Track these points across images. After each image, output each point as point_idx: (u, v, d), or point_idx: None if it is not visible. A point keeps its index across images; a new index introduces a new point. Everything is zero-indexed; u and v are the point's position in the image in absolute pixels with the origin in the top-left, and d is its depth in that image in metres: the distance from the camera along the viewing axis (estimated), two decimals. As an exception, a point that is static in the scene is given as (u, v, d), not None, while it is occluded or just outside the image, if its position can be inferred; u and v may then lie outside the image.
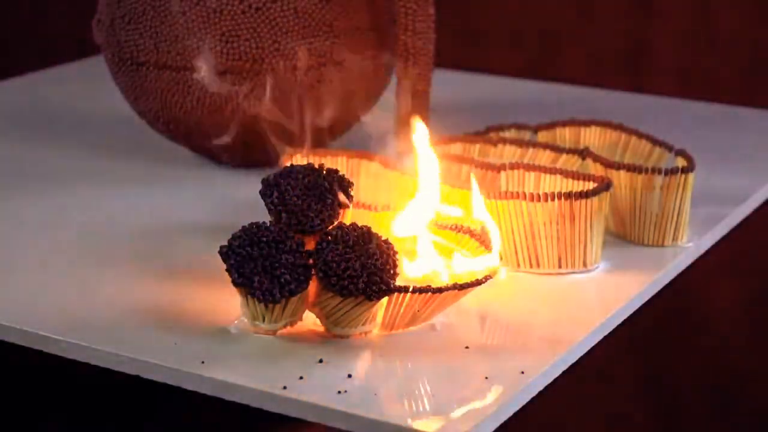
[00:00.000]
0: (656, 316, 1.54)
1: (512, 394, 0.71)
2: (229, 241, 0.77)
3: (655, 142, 0.98)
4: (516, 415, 0.72)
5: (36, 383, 1.17)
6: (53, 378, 1.16)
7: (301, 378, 0.72)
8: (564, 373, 0.76)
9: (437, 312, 0.79)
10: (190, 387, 0.74)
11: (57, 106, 1.30)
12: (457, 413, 0.69)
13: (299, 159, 0.93)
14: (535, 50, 1.61)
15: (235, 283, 0.76)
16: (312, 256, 0.77)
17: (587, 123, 1.01)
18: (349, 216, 0.82)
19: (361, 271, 0.75)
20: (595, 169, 0.93)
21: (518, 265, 0.88)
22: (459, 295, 0.77)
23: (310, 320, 0.79)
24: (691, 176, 0.90)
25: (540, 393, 0.74)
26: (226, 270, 0.76)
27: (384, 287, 0.75)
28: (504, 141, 0.99)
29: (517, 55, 1.61)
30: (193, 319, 0.80)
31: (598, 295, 0.85)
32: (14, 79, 1.40)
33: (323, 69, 1.02)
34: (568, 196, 0.85)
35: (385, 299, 0.76)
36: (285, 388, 0.71)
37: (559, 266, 0.87)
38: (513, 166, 0.92)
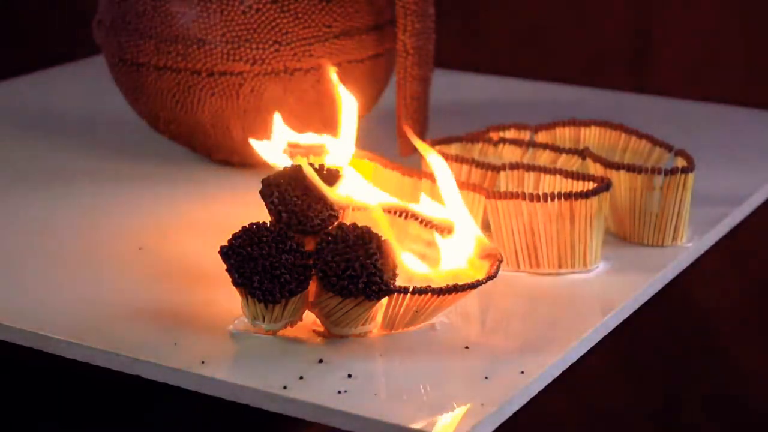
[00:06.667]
0: (656, 316, 1.54)
1: (512, 394, 0.71)
2: (229, 241, 0.77)
3: (655, 142, 0.98)
4: (516, 415, 0.72)
5: (36, 383, 1.17)
6: (53, 378, 1.16)
7: (301, 378, 0.73)
8: (564, 373, 0.76)
9: (437, 312, 0.79)
10: (190, 387, 0.74)
11: (57, 106, 1.30)
12: (458, 413, 0.69)
13: (300, 159, 0.93)
14: (535, 50, 1.61)
15: (235, 283, 0.76)
16: (312, 256, 0.77)
17: (587, 123, 1.01)
18: (349, 216, 0.82)
19: (361, 271, 0.75)
20: (595, 169, 0.93)
21: (518, 265, 0.88)
22: (459, 296, 0.77)
23: (310, 320, 0.79)
24: (691, 176, 0.90)
25: (540, 393, 0.74)
26: (226, 270, 0.76)
27: (384, 287, 0.75)
28: (504, 141, 0.99)
29: (517, 55, 1.61)
30: (193, 319, 0.80)
31: (598, 295, 0.85)
32: (14, 79, 1.40)
33: (322, 70, 1.02)
34: (568, 196, 0.85)
35: (385, 299, 0.76)
36: (285, 388, 0.71)
37: (559, 266, 0.87)
38: (513, 166, 0.92)
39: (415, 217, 0.85)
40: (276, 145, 0.91)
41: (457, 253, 0.79)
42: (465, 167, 0.93)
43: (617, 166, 0.91)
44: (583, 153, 0.95)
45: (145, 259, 0.90)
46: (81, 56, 1.44)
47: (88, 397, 1.16)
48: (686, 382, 1.59)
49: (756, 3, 1.47)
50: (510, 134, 1.02)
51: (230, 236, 0.77)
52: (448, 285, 0.76)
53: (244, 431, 1.14)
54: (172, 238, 0.95)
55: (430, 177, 0.91)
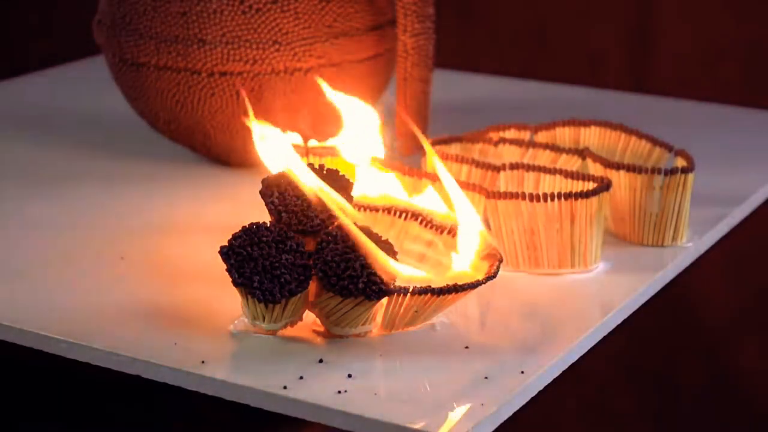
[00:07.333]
0: (656, 316, 1.54)
1: (512, 394, 0.71)
2: (229, 241, 0.77)
3: (655, 142, 0.98)
4: (516, 415, 0.72)
5: (36, 383, 1.17)
6: (53, 378, 1.16)
7: (301, 378, 0.73)
8: (564, 373, 0.76)
9: (437, 312, 0.79)
10: (190, 387, 0.74)
11: (57, 106, 1.30)
12: (457, 413, 0.69)
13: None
14: (535, 50, 1.61)
15: (235, 283, 0.76)
16: (312, 256, 0.77)
17: (587, 123, 1.01)
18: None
19: (361, 271, 0.75)
20: (595, 169, 0.93)
21: (518, 265, 0.88)
22: (459, 296, 0.77)
23: (310, 320, 0.79)
24: (691, 176, 0.90)
25: (540, 393, 0.74)
26: (226, 270, 0.76)
27: (384, 287, 0.75)
28: (504, 141, 0.99)
29: (517, 55, 1.61)
30: (193, 319, 0.80)
31: (598, 295, 0.85)
32: (14, 79, 1.40)
33: (322, 70, 1.02)
34: (568, 196, 0.85)
35: (385, 299, 0.76)
36: (285, 388, 0.71)
37: (559, 266, 0.87)
38: (513, 166, 0.92)
39: (415, 217, 0.85)
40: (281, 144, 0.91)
41: (462, 252, 0.79)
42: (465, 167, 0.93)
43: (617, 166, 0.91)
44: (583, 153, 0.95)
45: (144, 259, 0.90)
46: (81, 56, 1.44)
47: (88, 397, 1.16)
48: (686, 382, 1.59)
49: (756, 3, 1.47)
50: (510, 134, 1.02)
51: (230, 236, 0.77)
52: (448, 285, 0.76)
53: (244, 431, 1.15)
54: (172, 237, 0.95)
55: (431, 177, 0.91)
